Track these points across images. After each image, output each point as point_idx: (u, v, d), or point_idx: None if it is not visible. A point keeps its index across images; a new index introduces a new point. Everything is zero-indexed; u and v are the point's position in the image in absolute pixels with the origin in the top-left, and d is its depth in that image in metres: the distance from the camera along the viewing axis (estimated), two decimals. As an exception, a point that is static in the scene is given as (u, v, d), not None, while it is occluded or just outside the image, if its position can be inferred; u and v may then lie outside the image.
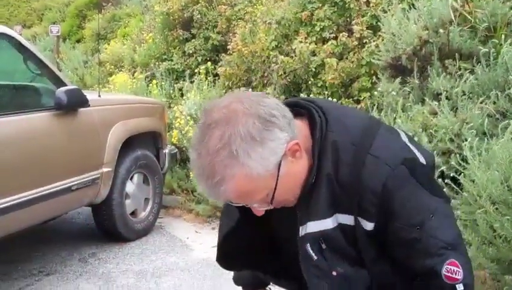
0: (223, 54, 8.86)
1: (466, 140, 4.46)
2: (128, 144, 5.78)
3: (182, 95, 8.64)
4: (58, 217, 5.63)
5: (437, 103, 5.00)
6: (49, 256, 5.51)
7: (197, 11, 9.78)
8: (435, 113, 4.94)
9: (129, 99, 6.72)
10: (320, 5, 7.40)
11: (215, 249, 1.90)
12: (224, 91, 8.24)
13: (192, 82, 8.63)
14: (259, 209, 1.61)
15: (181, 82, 8.98)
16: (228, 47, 8.64)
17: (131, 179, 5.90)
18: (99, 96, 5.80)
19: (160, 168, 6.32)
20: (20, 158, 4.66)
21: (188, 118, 7.51)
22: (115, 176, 5.61)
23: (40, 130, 4.95)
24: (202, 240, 5.89)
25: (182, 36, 9.92)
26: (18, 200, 4.57)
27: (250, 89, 7.57)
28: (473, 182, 4.12)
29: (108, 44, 12.86)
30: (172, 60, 9.85)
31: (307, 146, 1.58)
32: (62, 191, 5.03)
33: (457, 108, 4.96)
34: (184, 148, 7.33)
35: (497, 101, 4.79)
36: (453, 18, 5.43)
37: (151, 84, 9.15)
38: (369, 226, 1.56)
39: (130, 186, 5.88)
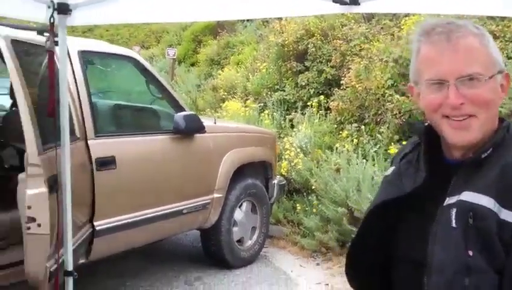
0: (335, 88, 8.85)
1: None
2: (240, 172, 5.87)
3: (293, 126, 8.68)
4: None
5: None
6: (156, 275, 5.65)
7: (312, 44, 9.83)
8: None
9: (242, 128, 6.82)
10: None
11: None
12: (335, 126, 8.20)
13: (303, 114, 8.65)
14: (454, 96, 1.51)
15: (292, 113, 9.02)
16: (341, 82, 8.61)
17: (240, 206, 5.97)
18: (215, 123, 5.92)
19: (268, 198, 6.35)
20: (139, 179, 4.83)
21: (298, 150, 7.52)
22: (225, 202, 5.70)
23: (159, 152, 5.11)
24: (307, 275, 5.76)
25: (296, 68, 9.99)
26: (134, 218, 4.74)
27: (363, 126, 7.49)
28: None
29: (222, 70, 13.14)
30: (284, 91, 9.94)
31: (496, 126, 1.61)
32: (174, 214, 5.17)
33: None
34: (292, 180, 7.33)
35: None
36: None
37: (262, 114, 9.25)
38: None
39: (238, 214, 5.95)
